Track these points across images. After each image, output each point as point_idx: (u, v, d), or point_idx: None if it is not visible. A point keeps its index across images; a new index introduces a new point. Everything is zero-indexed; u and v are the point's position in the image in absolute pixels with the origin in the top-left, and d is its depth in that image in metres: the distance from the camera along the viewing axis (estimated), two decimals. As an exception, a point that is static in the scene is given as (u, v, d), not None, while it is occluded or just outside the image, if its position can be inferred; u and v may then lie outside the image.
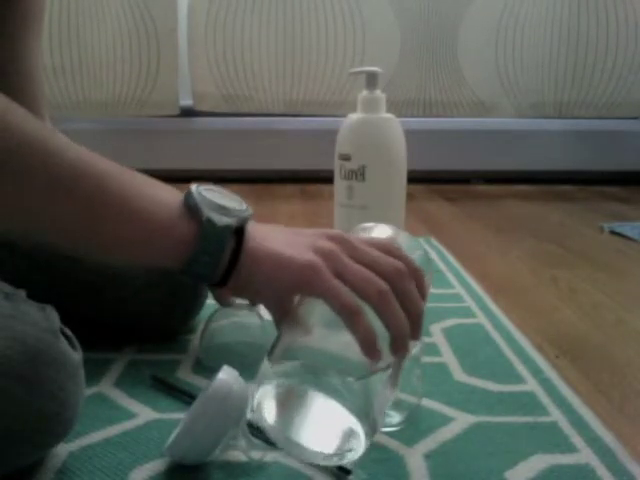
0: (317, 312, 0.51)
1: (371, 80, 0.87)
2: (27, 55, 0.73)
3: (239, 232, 0.51)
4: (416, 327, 0.51)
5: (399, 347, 0.49)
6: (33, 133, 0.47)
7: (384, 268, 0.50)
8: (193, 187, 0.52)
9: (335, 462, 0.51)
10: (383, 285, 0.49)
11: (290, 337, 0.51)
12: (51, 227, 0.48)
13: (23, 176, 0.46)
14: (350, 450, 0.49)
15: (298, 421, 0.50)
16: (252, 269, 0.51)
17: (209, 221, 0.50)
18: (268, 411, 0.49)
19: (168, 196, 0.51)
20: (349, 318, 0.48)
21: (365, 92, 0.88)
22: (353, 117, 0.89)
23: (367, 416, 0.47)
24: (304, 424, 0.50)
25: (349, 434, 0.48)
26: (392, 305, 0.49)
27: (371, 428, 0.47)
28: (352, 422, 0.46)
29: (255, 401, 0.49)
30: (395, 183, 0.89)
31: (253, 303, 0.62)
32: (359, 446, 0.48)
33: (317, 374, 0.46)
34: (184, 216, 0.50)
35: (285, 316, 0.53)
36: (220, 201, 0.52)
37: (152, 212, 0.49)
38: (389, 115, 0.88)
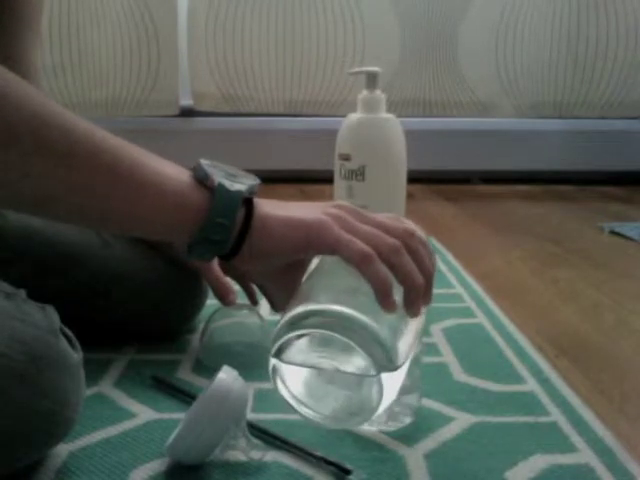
0: (322, 283, 0.51)
1: (371, 80, 0.87)
2: (25, 54, 0.73)
3: (248, 202, 0.51)
4: (427, 290, 0.50)
5: (413, 300, 0.48)
6: (48, 106, 0.46)
7: (393, 230, 0.50)
8: (201, 160, 0.52)
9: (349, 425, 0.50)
10: (394, 240, 0.48)
11: (299, 305, 0.49)
12: (66, 202, 0.47)
13: (40, 149, 0.45)
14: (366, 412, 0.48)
15: (316, 390, 0.49)
16: (263, 234, 0.50)
17: (221, 186, 0.49)
18: (284, 378, 0.49)
19: (176, 170, 0.51)
20: (363, 264, 0.46)
21: (365, 92, 0.88)
22: (353, 117, 0.89)
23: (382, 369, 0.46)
24: (323, 392, 0.49)
25: (366, 397, 0.47)
26: (405, 258, 0.48)
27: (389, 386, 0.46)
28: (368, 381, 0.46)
29: (270, 366, 0.48)
30: (395, 183, 0.89)
31: (260, 283, 0.61)
32: (375, 408, 0.47)
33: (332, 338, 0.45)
34: (195, 186, 0.50)
35: (291, 294, 0.52)
36: (229, 170, 0.52)
37: (164, 184, 0.49)
38: (389, 115, 0.88)
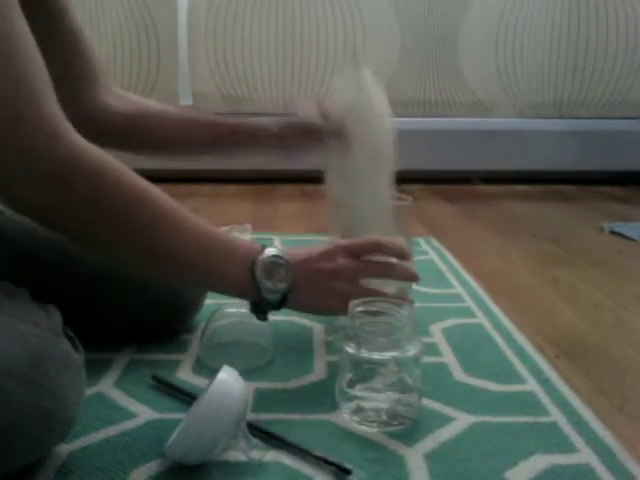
0: None
1: (356, 61, 0.85)
2: (70, 15, 0.74)
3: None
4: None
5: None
6: (163, 201, 0.59)
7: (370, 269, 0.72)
8: (258, 270, 0.65)
9: None
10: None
11: None
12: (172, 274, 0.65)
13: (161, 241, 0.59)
14: None
15: None
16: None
17: (266, 300, 0.66)
18: None
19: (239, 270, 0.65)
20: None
21: (350, 67, 0.85)
22: (338, 86, 0.87)
23: None
24: None
25: None
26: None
27: None
28: None
29: None
30: (380, 150, 0.86)
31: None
32: None
33: None
34: (251, 288, 0.65)
35: None
36: (272, 282, 0.66)
37: (231, 283, 0.65)
38: (373, 83, 0.85)
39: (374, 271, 0.71)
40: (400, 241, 0.78)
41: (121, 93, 0.85)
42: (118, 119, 0.81)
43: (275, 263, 0.66)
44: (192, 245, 0.62)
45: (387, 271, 0.72)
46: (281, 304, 0.67)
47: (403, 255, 0.73)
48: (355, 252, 0.71)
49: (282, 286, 0.66)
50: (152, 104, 0.87)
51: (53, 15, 0.72)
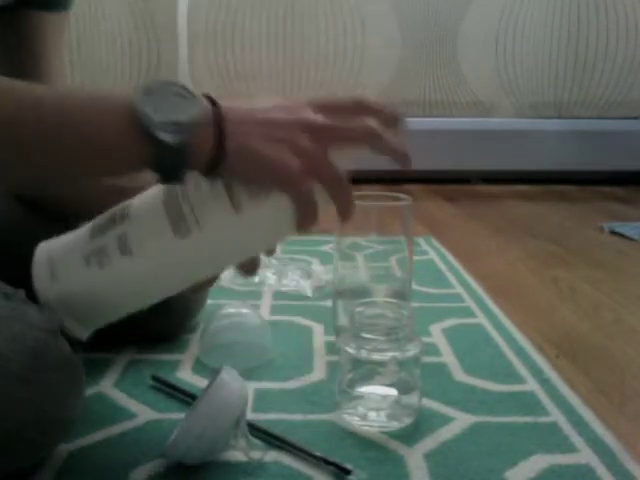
0: None
1: None
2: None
3: (218, 121, 0.50)
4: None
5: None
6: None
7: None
8: (136, 102, 0.48)
9: None
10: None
11: None
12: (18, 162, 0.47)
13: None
14: None
15: None
16: (233, 167, 0.49)
17: (162, 143, 0.47)
18: None
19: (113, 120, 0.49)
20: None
21: None
22: None
23: None
24: None
25: None
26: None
27: None
28: None
29: None
30: None
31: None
32: None
33: None
34: (135, 137, 0.47)
35: None
36: (171, 116, 0.48)
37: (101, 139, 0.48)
38: None
39: (352, 135, 0.50)
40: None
41: None
42: None
43: (167, 88, 0.49)
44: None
45: (370, 137, 0.50)
46: (187, 152, 0.47)
47: (394, 120, 0.52)
48: (330, 108, 0.50)
49: (182, 117, 0.48)
50: None
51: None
